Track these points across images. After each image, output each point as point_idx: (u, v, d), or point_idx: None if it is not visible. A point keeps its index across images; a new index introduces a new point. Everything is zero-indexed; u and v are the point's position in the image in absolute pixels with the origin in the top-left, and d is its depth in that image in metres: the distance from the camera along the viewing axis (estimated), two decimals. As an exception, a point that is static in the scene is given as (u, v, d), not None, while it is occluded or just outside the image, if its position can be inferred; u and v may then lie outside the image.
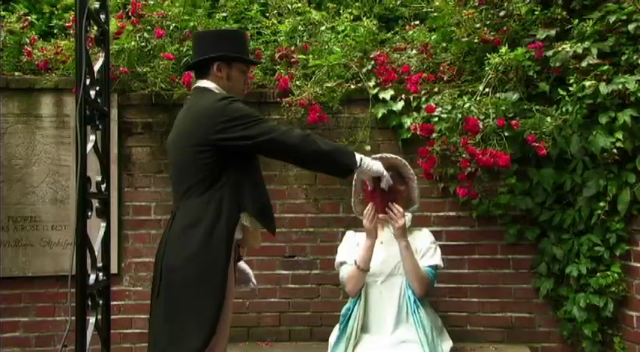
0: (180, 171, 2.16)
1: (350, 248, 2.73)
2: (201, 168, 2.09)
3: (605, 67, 2.80)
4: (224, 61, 2.22)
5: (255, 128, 2.06)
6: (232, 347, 3.20)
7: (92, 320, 2.17)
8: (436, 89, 3.25)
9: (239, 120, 2.06)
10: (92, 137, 2.23)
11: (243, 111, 2.09)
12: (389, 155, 2.76)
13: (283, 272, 3.38)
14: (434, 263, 2.67)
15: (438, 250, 2.73)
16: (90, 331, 2.13)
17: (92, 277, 2.18)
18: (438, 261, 2.69)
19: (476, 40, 3.24)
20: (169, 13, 3.52)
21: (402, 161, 2.73)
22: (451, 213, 3.33)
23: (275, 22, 3.64)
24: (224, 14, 3.73)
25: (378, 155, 2.74)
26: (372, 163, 2.22)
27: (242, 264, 2.42)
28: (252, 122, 2.07)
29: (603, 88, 2.75)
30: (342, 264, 2.72)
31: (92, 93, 2.21)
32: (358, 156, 2.16)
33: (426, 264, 2.64)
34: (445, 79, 3.33)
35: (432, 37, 3.53)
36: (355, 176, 2.75)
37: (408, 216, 2.67)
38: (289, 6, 3.67)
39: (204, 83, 2.24)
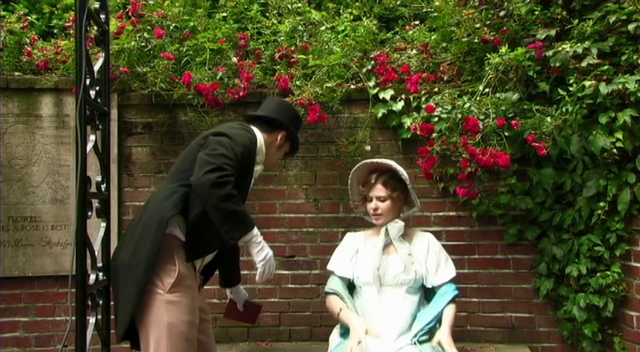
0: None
1: (345, 254, 2.63)
2: (189, 161, 2.14)
3: (605, 67, 2.80)
4: (288, 134, 2.41)
5: (210, 169, 1.99)
6: (232, 347, 3.21)
7: (92, 320, 2.17)
8: (436, 89, 3.26)
9: (214, 151, 2.04)
10: (92, 137, 2.23)
11: (226, 153, 2.04)
12: (381, 160, 2.59)
13: (283, 272, 3.38)
14: (452, 275, 2.53)
15: (449, 258, 2.60)
16: (90, 331, 2.13)
17: (92, 277, 2.18)
18: (453, 271, 2.55)
19: (476, 40, 3.24)
20: (169, 13, 3.53)
21: (395, 165, 2.55)
22: (451, 213, 3.33)
23: (275, 22, 3.64)
24: (224, 14, 3.73)
25: (369, 160, 2.61)
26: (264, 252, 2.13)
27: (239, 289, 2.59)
28: (216, 168, 1.99)
29: (603, 88, 2.75)
30: (331, 273, 2.65)
31: (92, 93, 2.21)
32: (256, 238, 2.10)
33: (446, 280, 2.50)
34: (445, 79, 3.34)
35: (432, 37, 3.53)
36: (350, 175, 2.69)
37: (400, 223, 2.53)
38: (289, 6, 3.67)
39: (257, 130, 2.32)
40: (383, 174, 2.56)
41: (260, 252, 2.11)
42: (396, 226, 2.53)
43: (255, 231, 2.09)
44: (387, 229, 2.53)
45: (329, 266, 2.68)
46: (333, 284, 2.60)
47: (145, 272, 2.00)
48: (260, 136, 2.31)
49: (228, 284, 2.56)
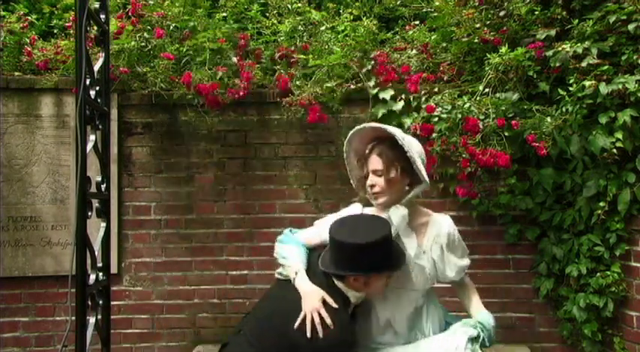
0: None
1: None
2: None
3: (605, 67, 2.80)
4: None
5: None
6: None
7: (92, 320, 2.17)
8: (436, 89, 3.26)
9: None
10: (92, 137, 2.24)
11: None
12: (375, 124, 2.06)
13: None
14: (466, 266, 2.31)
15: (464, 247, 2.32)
16: (90, 331, 2.13)
17: (92, 277, 2.19)
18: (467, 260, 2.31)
19: (476, 40, 3.24)
20: (169, 13, 3.52)
21: (392, 129, 1.99)
22: (451, 213, 3.30)
23: (275, 22, 3.64)
24: (224, 14, 3.73)
25: (362, 125, 2.06)
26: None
27: None
28: None
29: (603, 88, 2.75)
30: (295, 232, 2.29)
31: (92, 93, 2.22)
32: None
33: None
34: (445, 79, 3.34)
35: (432, 37, 3.53)
36: (345, 147, 2.14)
37: (401, 210, 2.03)
38: (289, 6, 3.67)
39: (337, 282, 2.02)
40: (382, 142, 2.02)
41: None
42: (398, 213, 2.01)
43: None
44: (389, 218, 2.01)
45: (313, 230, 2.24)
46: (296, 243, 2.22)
47: None
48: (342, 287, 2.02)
49: None
